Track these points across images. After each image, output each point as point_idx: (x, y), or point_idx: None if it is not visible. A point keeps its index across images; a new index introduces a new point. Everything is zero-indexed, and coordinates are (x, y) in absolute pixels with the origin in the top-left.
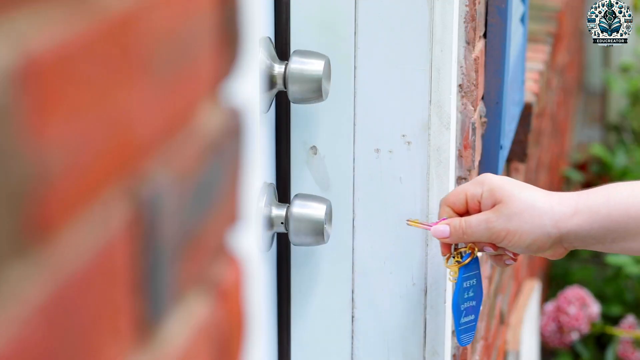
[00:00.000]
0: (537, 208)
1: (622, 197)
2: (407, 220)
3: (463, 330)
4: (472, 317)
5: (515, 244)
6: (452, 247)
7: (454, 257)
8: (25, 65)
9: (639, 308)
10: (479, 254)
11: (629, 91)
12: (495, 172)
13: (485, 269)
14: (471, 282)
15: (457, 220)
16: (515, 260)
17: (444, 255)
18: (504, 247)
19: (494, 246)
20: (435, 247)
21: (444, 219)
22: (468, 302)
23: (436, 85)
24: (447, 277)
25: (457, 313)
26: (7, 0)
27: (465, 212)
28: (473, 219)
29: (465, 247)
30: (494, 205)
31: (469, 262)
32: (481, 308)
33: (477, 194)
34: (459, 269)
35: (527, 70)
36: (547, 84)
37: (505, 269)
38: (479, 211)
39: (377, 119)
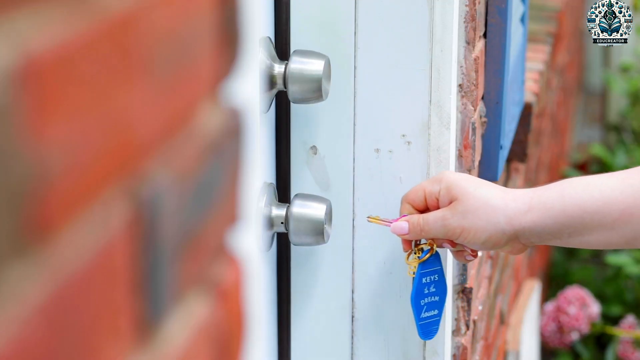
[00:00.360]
0: (491, 205)
1: (576, 192)
2: (368, 217)
3: (424, 325)
4: (436, 312)
5: (471, 241)
6: (413, 243)
7: (415, 253)
8: (25, 65)
9: (639, 308)
10: (439, 250)
11: (629, 91)
12: (495, 172)
13: (485, 268)
14: (432, 277)
15: (416, 217)
16: (474, 256)
17: (405, 251)
18: (462, 244)
19: (452, 242)
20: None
21: (404, 216)
22: (430, 297)
23: (436, 85)
24: (446, 277)
25: (416, 308)
26: (7, 0)
27: (425, 209)
28: (430, 216)
29: (426, 243)
30: (450, 203)
31: (428, 258)
32: (447, 302)
33: (435, 191)
34: (418, 265)
35: (527, 70)
36: (547, 84)
37: (467, 264)
38: (438, 208)
39: (377, 119)
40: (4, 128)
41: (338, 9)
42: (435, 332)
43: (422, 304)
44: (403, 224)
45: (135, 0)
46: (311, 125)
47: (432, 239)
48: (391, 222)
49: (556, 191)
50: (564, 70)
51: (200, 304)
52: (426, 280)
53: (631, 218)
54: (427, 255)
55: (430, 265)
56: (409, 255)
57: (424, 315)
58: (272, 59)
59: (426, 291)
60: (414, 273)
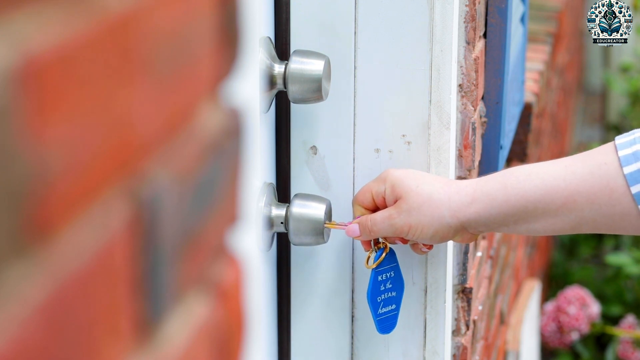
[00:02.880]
0: (434, 200)
1: (519, 182)
2: (325, 224)
3: (381, 320)
4: (393, 306)
5: (419, 237)
6: (372, 242)
7: (375, 251)
8: (25, 65)
9: (639, 308)
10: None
11: (629, 91)
12: (495, 172)
13: (485, 268)
14: (388, 274)
15: (364, 219)
16: (429, 248)
17: (366, 251)
18: (412, 239)
19: (403, 240)
20: (435, 247)
21: (357, 218)
22: (386, 293)
23: (436, 85)
24: (447, 276)
25: (373, 305)
26: (7, 0)
27: (375, 208)
28: (378, 216)
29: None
30: (396, 201)
31: (384, 257)
32: (404, 297)
33: (380, 191)
34: (375, 265)
35: (527, 70)
36: (547, 84)
37: (422, 255)
38: (386, 207)
39: (377, 119)
40: (4, 128)
41: (338, 9)
42: (393, 327)
43: (378, 300)
44: (354, 227)
45: (135, 0)
46: (311, 125)
47: (385, 240)
48: (346, 225)
49: (498, 181)
50: (564, 70)
51: (200, 304)
52: (382, 277)
53: (575, 205)
54: (382, 256)
55: (385, 263)
56: (368, 258)
57: (382, 311)
58: (272, 59)
59: (382, 288)
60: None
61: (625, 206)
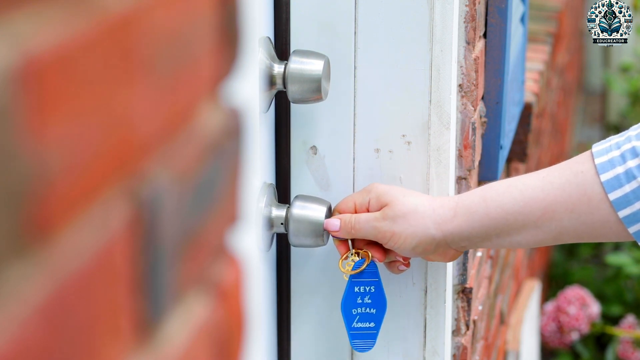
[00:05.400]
0: (419, 212)
1: (498, 195)
2: None
3: (356, 335)
4: (372, 324)
5: (401, 246)
6: (350, 246)
7: (351, 255)
8: (25, 65)
9: (639, 308)
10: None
11: (629, 91)
12: (495, 172)
13: (485, 268)
14: (367, 288)
15: (348, 216)
16: (406, 265)
17: (340, 254)
18: (393, 250)
19: (381, 255)
20: None
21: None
22: (364, 307)
23: (436, 85)
24: (447, 276)
25: (346, 316)
26: (7, 0)
27: None
28: (362, 216)
29: (360, 252)
30: (381, 209)
31: (364, 269)
32: (384, 318)
33: (364, 202)
34: (350, 274)
35: (527, 70)
36: (547, 84)
37: (398, 274)
38: None
39: (377, 119)
40: (4, 128)
41: (338, 9)
42: (371, 346)
43: (353, 313)
44: (335, 221)
45: (135, 0)
46: (311, 125)
47: (367, 250)
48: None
49: (479, 195)
50: (564, 70)
51: (200, 304)
52: (359, 289)
53: (554, 215)
54: (364, 265)
55: (366, 275)
56: (342, 260)
57: (357, 325)
58: (271, 59)
59: (359, 301)
60: (347, 276)
61: (604, 213)
